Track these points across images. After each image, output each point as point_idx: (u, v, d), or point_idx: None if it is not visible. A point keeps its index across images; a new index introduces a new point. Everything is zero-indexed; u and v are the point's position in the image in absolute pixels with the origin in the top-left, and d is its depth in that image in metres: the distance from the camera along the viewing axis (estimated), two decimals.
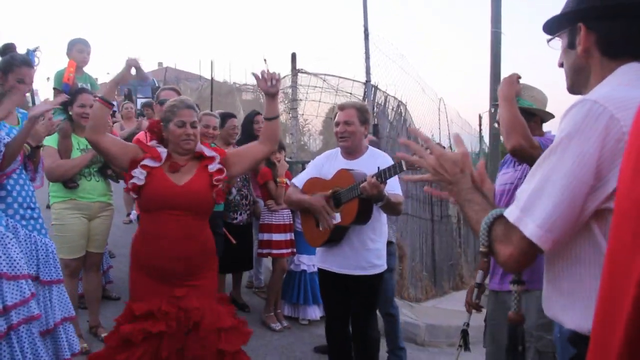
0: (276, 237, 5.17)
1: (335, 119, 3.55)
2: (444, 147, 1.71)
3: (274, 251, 5.16)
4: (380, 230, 3.50)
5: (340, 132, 3.48)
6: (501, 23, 8.07)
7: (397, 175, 3.15)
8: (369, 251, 3.44)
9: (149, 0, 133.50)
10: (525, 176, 2.77)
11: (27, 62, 3.39)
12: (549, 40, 1.63)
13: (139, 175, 2.90)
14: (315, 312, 5.47)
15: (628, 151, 0.93)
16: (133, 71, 3.07)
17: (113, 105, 3.05)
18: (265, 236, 5.19)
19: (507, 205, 1.47)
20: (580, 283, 1.36)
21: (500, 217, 1.41)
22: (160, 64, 40.97)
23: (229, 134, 5.15)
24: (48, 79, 5.42)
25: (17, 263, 2.96)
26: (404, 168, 2.94)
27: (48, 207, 4.16)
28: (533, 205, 1.33)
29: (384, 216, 3.57)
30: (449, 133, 10.17)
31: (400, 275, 7.67)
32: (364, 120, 3.51)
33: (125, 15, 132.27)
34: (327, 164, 3.59)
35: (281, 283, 5.35)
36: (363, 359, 3.60)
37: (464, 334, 3.05)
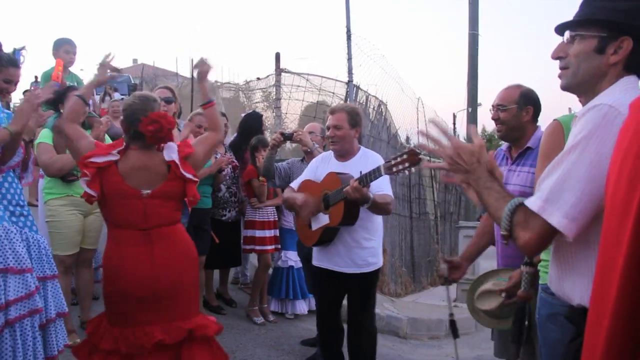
0: (259, 233, 5.29)
1: (327, 123, 3.64)
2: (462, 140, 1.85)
3: (257, 247, 5.29)
4: (373, 229, 3.59)
5: (330, 136, 3.59)
6: (478, 25, 8.36)
7: (388, 176, 3.20)
8: (364, 250, 3.53)
9: None
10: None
11: (14, 62, 3.42)
12: (568, 32, 1.72)
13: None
14: (302, 307, 5.61)
15: (616, 150, 1.07)
16: (107, 72, 3.19)
17: (89, 105, 3.24)
18: (249, 232, 5.32)
19: None
20: (588, 264, 1.54)
21: (521, 206, 1.56)
22: (135, 60, 40.57)
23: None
24: (36, 77, 5.40)
25: (23, 257, 3.03)
26: (382, 173, 3.03)
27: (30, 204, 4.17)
28: (557, 198, 1.49)
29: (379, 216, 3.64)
30: (427, 132, 10.36)
31: (380, 271, 7.85)
32: (354, 124, 3.60)
33: (99, 10, 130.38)
34: (321, 166, 3.68)
35: (265, 278, 5.46)
36: (359, 352, 3.71)
37: (452, 323, 3.21)
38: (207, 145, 3.08)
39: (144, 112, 2.75)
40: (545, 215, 1.50)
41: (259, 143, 5.26)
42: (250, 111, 6.25)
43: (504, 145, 3.17)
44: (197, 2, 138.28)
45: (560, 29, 1.73)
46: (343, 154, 3.64)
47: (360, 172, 3.17)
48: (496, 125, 3.06)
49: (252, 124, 5.58)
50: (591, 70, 1.64)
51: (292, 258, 5.47)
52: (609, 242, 1.02)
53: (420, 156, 2.91)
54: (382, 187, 3.39)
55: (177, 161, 2.83)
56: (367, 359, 3.72)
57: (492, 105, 3.09)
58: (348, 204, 3.29)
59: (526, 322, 2.13)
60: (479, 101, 10.31)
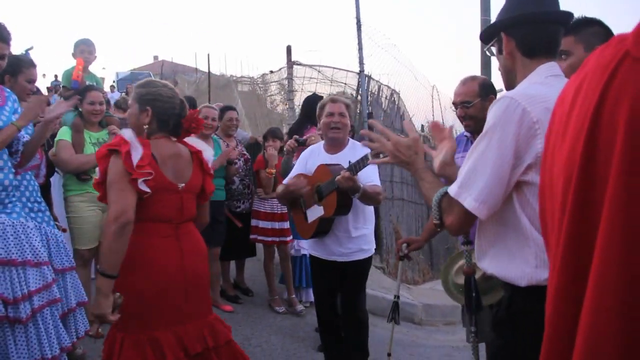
0: (263, 224, 5.39)
1: (329, 110, 3.68)
2: (422, 135, 2.07)
3: (259, 237, 5.41)
4: (364, 218, 3.67)
5: (334, 122, 3.64)
6: (490, 11, 8.32)
7: (375, 167, 3.35)
8: (357, 238, 3.62)
9: None
10: None
11: (33, 63, 3.68)
12: (486, 49, 1.99)
13: None
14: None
15: (547, 137, 1.15)
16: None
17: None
18: (254, 222, 5.44)
19: None
20: (505, 242, 1.76)
21: (446, 193, 1.76)
22: (155, 57, 41.05)
23: (227, 126, 5.41)
24: (44, 75, 5.58)
25: (39, 251, 3.19)
26: (369, 158, 3.07)
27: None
28: (469, 183, 1.68)
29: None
30: (443, 119, 10.38)
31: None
32: (350, 115, 3.75)
33: (120, 9, 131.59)
34: (311, 160, 3.76)
35: (270, 267, 5.59)
36: (353, 338, 3.80)
37: (395, 306, 3.51)
38: None
39: (178, 104, 2.66)
40: (460, 199, 1.70)
41: (269, 134, 5.39)
42: (312, 93, 6.32)
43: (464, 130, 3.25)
44: None
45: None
46: (337, 144, 3.72)
47: (349, 162, 3.25)
48: (463, 122, 3.11)
49: (313, 107, 5.65)
50: (504, 68, 1.91)
51: (305, 247, 5.58)
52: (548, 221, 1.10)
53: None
54: (371, 178, 3.48)
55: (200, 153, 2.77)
56: (359, 344, 3.81)
57: (454, 103, 3.13)
58: (340, 194, 3.38)
59: (473, 294, 2.34)
60: (498, 88, 10.23)
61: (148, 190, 2.41)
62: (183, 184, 2.62)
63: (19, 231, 3.11)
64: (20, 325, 3.02)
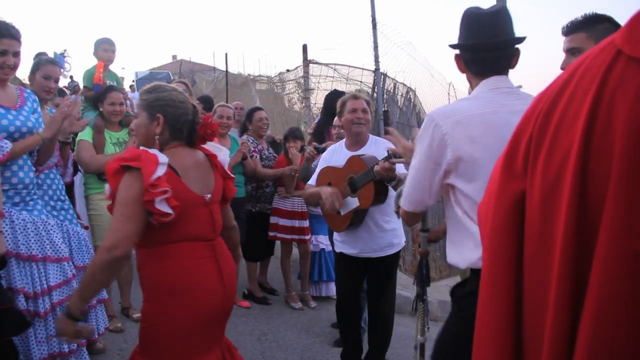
0: (283, 222, 5.43)
1: (351, 106, 3.71)
2: None
3: (279, 235, 5.46)
4: (392, 211, 3.71)
5: (357, 118, 3.67)
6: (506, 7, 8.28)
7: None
8: (386, 232, 3.62)
9: None
10: None
11: (52, 60, 3.77)
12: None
13: None
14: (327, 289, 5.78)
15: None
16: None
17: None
18: (274, 219, 5.49)
19: None
20: (452, 233, 2.10)
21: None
22: (174, 56, 41.37)
23: (258, 127, 5.48)
24: (65, 75, 5.63)
25: (60, 247, 3.30)
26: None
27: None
28: (405, 190, 2.16)
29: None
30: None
31: (414, 256, 7.93)
32: (371, 112, 3.80)
33: (139, 8, 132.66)
34: (334, 158, 3.77)
35: (287, 264, 5.64)
36: (377, 334, 3.83)
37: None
38: None
39: (191, 109, 2.41)
40: (402, 205, 2.19)
41: (291, 134, 5.44)
42: (332, 90, 6.37)
43: None
44: None
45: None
46: (359, 141, 3.75)
47: (388, 151, 3.23)
48: None
49: (334, 103, 5.68)
50: (468, 81, 2.20)
51: (322, 242, 5.62)
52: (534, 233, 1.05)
53: None
54: (400, 168, 3.48)
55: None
56: (383, 341, 3.85)
57: None
58: (377, 183, 3.34)
59: (424, 271, 2.87)
60: (518, 84, 10.20)
61: (170, 211, 2.10)
62: (209, 194, 2.35)
63: (39, 228, 3.20)
64: (40, 319, 3.12)
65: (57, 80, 3.77)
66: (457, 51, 2.15)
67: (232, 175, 2.57)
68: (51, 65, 3.68)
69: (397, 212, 2.34)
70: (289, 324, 5.06)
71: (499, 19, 2.04)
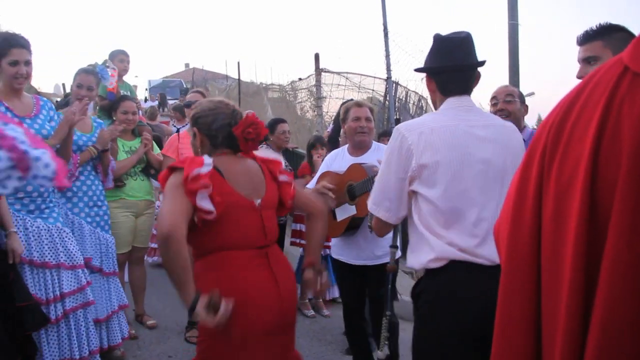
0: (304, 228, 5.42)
1: (354, 114, 3.69)
2: None
3: (301, 241, 5.43)
4: None
5: (360, 127, 3.65)
6: (518, 16, 8.26)
7: None
8: (383, 239, 3.50)
9: (175, 2, 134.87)
10: None
11: (86, 70, 4.02)
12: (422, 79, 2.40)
13: None
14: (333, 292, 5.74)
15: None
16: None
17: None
18: (298, 226, 5.49)
19: None
20: (411, 239, 2.26)
21: None
22: (187, 65, 41.69)
23: (281, 140, 5.44)
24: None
25: (74, 254, 3.34)
26: None
27: None
28: (378, 199, 2.27)
29: None
30: None
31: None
32: (374, 120, 3.80)
33: (152, 17, 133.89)
34: (335, 163, 3.76)
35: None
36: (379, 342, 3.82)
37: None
38: None
39: (228, 114, 2.34)
40: (375, 213, 2.30)
41: (317, 141, 5.44)
42: (349, 99, 6.40)
43: None
44: (242, 7, 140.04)
45: None
46: (362, 147, 3.72)
47: (379, 161, 3.24)
48: (502, 117, 3.18)
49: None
50: (432, 101, 2.41)
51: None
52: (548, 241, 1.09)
53: None
54: None
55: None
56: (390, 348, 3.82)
57: (495, 97, 3.42)
58: None
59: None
60: (531, 90, 10.25)
61: (212, 208, 2.09)
62: (259, 200, 2.29)
63: (54, 235, 3.25)
64: (52, 326, 3.17)
65: (90, 89, 3.91)
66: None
67: (287, 179, 2.48)
68: (84, 74, 3.89)
69: (370, 226, 2.44)
70: (300, 332, 5.02)
71: (463, 44, 2.25)
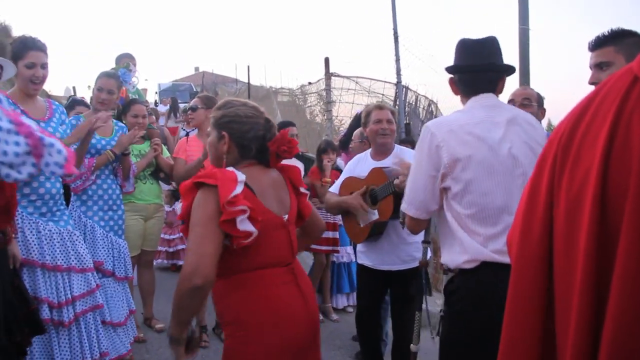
0: None
1: (376, 117, 3.68)
2: None
3: (315, 246, 5.35)
4: None
5: (382, 129, 3.64)
6: (529, 20, 8.21)
7: None
8: (409, 245, 3.55)
9: (184, 6, 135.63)
10: None
11: (107, 73, 4.06)
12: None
13: None
14: (343, 301, 5.75)
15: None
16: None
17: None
18: None
19: None
20: (443, 237, 2.31)
21: None
22: (196, 68, 41.80)
23: None
24: (89, 87, 5.80)
25: (84, 258, 3.35)
26: None
27: None
28: (409, 198, 2.33)
29: None
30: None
31: (435, 269, 7.86)
32: (396, 123, 3.79)
33: (162, 20, 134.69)
34: (358, 168, 3.75)
35: (324, 278, 5.55)
36: (402, 348, 3.73)
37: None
38: None
39: (262, 124, 2.19)
40: (407, 212, 2.35)
41: (328, 146, 5.39)
42: (357, 104, 6.43)
43: None
44: (252, 10, 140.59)
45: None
46: (384, 151, 3.71)
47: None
48: None
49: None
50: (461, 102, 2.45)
51: (347, 252, 5.64)
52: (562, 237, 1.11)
53: None
54: None
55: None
56: (408, 356, 3.80)
57: (512, 100, 3.42)
58: (397, 197, 3.22)
59: (423, 281, 3.12)
60: (542, 95, 10.14)
61: (254, 229, 1.95)
62: (287, 215, 2.18)
63: (65, 238, 3.26)
64: (63, 329, 3.18)
65: (111, 92, 3.93)
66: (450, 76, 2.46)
67: (305, 191, 2.38)
68: (105, 78, 3.93)
69: (403, 223, 2.50)
70: None
71: (487, 46, 2.35)
